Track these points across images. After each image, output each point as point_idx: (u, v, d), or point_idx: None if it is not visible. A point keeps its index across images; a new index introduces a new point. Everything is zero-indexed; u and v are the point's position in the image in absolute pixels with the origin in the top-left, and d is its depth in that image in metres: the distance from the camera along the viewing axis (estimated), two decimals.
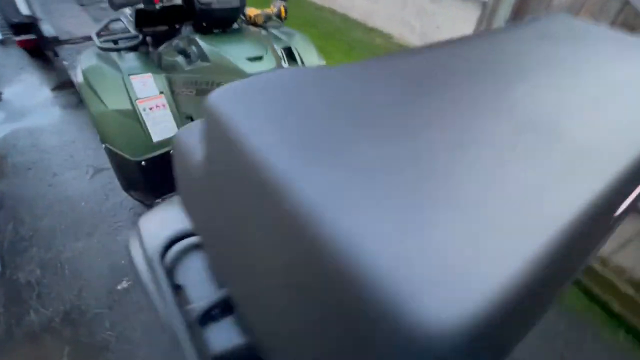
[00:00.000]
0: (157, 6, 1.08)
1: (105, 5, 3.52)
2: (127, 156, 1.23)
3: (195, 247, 0.63)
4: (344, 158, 0.29)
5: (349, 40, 3.61)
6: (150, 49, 1.32)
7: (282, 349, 0.38)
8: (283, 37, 1.43)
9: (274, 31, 1.47)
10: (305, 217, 0.25)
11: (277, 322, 0.36)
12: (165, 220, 0.73)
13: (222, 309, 0.53)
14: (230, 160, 0.34)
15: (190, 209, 0.56)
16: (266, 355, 0.43)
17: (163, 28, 1.32)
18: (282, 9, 1.57)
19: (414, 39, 3.62)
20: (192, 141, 0.49)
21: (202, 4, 1.10)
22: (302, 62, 1.39)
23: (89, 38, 2.70)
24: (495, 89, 0.41)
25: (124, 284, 1.41)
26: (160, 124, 1.27)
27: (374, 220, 0.24)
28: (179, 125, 1.29)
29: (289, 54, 1.37)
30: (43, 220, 1.61)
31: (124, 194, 1.73)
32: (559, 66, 0.48)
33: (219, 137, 0.35)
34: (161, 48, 1.28)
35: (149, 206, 1.51)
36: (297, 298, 0.30)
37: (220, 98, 0.35)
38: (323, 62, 1.48)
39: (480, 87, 0.41)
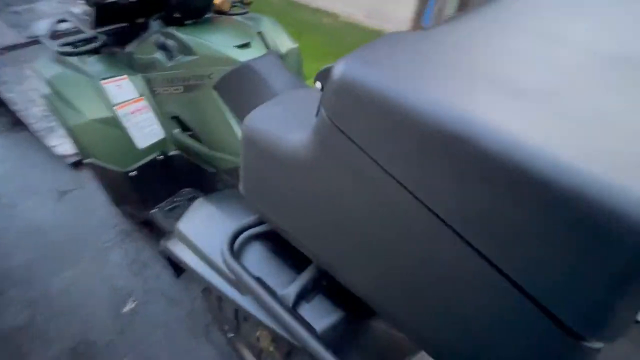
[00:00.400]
0: None
1: (19, 8, 3.07)
2: (114, 168, 1.12)
3: (257, 237, 0.62)
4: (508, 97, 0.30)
5: (295, 23, 3.53)
6: (114, 49, 1.19)
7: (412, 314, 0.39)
8: (251, 23, 1.37)
9: (240, 18, 1.40)
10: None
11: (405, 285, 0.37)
12: (210, 218, 0.69)
13: (310, 289, 0.53)
14: (380, 124, 0.32)
15: (264, 196, 0.53)
16: (389, 318, 0.44)
17: (123, 25, 1.20)
18: None
19: (361, 17, 3.65)
20: (270, 127, 0.46)
21: None
22: (276, 47, 1.35)
23: (13, 47, 2.35)
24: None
25: (131, 305, 1.31)
26: (145, 128, 1.17)
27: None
28: (165, 128, 1.20)
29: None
30: (14, 258, 1.42)
31: (103, 213, 1.59)
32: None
33: (364, 106, 0.33)
34: (130, 47, 1.16)
35: (142, 220, 1.41)
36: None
37: (349, 68, 0.33)
38: (296, 45, 1.45)
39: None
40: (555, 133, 0.26)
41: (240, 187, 0.56)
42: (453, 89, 0.31)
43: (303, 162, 0.41)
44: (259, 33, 1.33)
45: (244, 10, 1.46)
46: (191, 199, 1.30)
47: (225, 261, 0.57)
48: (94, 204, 1.63)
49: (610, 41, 0.40)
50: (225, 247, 0.57)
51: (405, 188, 0.32)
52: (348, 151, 0.35)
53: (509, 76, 0.33)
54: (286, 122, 0.46)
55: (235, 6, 1.44)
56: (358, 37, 3.39)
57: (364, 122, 0.33)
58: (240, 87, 0.99)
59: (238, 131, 1.02)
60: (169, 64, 1.07)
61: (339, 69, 0.34)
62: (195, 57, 1.02)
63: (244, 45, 1.03)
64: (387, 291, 0.41)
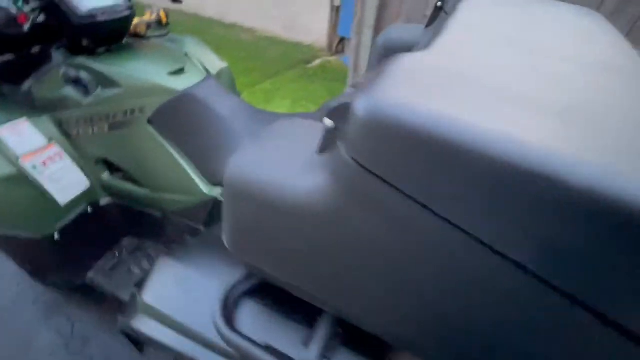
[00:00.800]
0: (26, 27, 0.77)
1: None
2: (30, 236, 0.89)
3: (249, 294, 0.52)
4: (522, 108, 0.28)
5: (212, 41, 3.37)
6: (5, 88, 0.96)
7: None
8: (174, 45, 1.23)
9: (158, 40, 1.24)
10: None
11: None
12: (184, 281, 0.57)
13: (331, 343, 0.46)
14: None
15: (260, 249, 0.44)
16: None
17: (11, 57, 0.97)
18: (163, 15, 1.35)
19: (278, 29, 3.63)
20: (263, 172, 0.38)
21: (82, 17, 0.84)
22: (205, 69, 1.24)
23: None
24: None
25: None
26: (63, 179, 0.95)
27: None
28: (88, 175, 1.00)
29: None
30: None
31: (16, 289, 1.27)
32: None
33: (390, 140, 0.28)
34: (27, 84, 0.94)
35: (68, 290, 1.15)
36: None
37: (375, 104, 0.28)
38: (225, 65, 1.34)
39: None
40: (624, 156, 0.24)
41: (225, 239, 0.47)
42: (494, 113, 0.27)
43: (317, 208, 0.34)
44: (185, 55, 1.20)
45: (163, 32, 1.31)
46: (136, 250, 1.11)
47: (219, 332, 0.46)
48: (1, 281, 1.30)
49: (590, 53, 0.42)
50: (217, 315, 0.47)
51: (458, 227, 0.28)
52: (380, 193, 0.29)
53: (538, 94, 0.31)
54: (279, 164, 0.39)
55: (151, 28, 1.28)
56: (279, 51, 3.36)
57: (400, 161, 0.28)
58: (182, 118, 0.87)
59: (187, 167, 0.89)
60: (86, 100, 0.89)
61: (364, 106, 0.28)
62: (120, 90, 0.86)
63: (178, 72, 0.91)
64: (429, 334, 0.36)
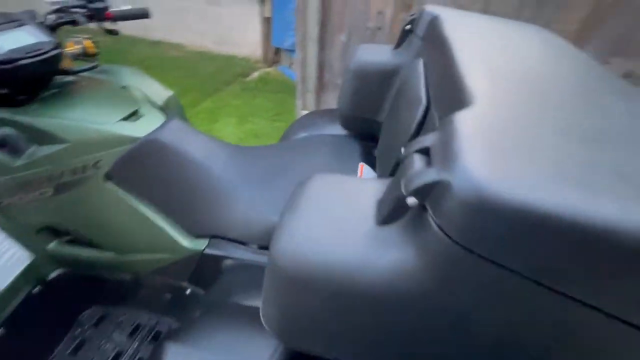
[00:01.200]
0: None
1: None
2: None
3: None
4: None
5: (138, 61, 3.06)
6: None
7: None
8: (112, 78, 1.06)
9: (94, 77, 1.06)
10: None
11: None
12: None
13: None
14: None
15: (315, 331, 0.38)
16: None
17: None
18: (89, 45, 1.15)
19: (208, 44, 3.44)
20: (320, 252, 0.33)
21: None
22: (150, 100, 1.09)
23: None
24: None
25: None
26: None
27: None
28: (32, 247, 0.81)
29: None
30: None
31: None
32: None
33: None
34: None
35: None
36: None
37: (480, 181, 0.24)
38: (171, 93, 1.20)
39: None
40: None
41: (267, 324, 0.40)
42: (591, 177, 0.26)
43: (400, 289, 0.30)
44: (124, 88, 1.04)
45: (92, 64, 1.12)
46: (103, 321, 0.94)
47: None
48: None
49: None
50: None
51: (592, 307, 0.26)
52: (491, 276, 0.27)
53: (596, 128, 0.32)
54: (335, 238, 0.34)
55: (78, 59, 1.09)
56: (213, 66, 3.18)
57: (517, 240, 0.25)
58: (149, 168, 0.75)
59: (162, 222, 0.77)
60: (17, 162, 0.71)
61: (467, 186, 0.25)
62: (64, 146, 0.71)
63: (132, 115, 0.78)
64: None
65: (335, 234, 0.34)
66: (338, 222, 0.35)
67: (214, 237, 0.76)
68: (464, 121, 0.31)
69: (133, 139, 0.73)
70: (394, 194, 0.31)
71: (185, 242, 0.77)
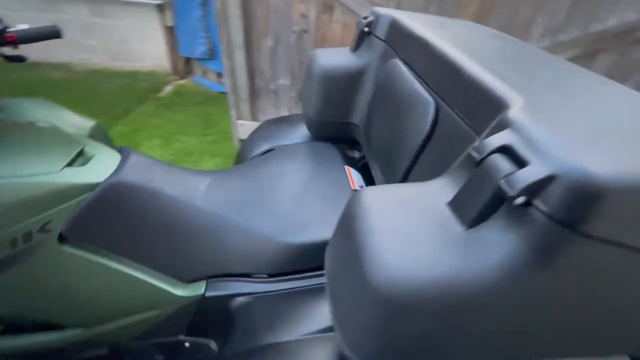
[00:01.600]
0: None
1: None
2: None
3: None
4: None
5: (12, 90, 2.48)
6: None
7: None
8: (17, 116, 0.83)
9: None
10: None
11: None
12: None
13: None
14: None
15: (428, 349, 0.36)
16: None
17: None
18: None
19: (102, 60, 2.98)
20: (428, 270, 0.31)
21: None
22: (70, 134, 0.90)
23: None
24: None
25: None
26: None
27: None
28: None
29: None
30: None
31: None
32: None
33: None
34: None
35: None
36: None
37: (594, 166, 0.26)
38: (93, 123, 1.00)
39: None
40: None
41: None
42: None
43: (518, 288, 0.30)
44: (31, 124, 0.83)
45: None
46: None
47: None
48: None
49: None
50: None
51: None
52: (611, 257, 0.29)
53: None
54: (432, 252, 0.32)
55: None
56: (115, 84, 2.77)
57: None
58: (116, 217, 0.61)
59: (141, 275, 0.64)
60: None
61: (578, 174, 0.26)
62: None
63: (78, 157, 0.63)
64: None
65: (427, 246, 0.32)
66: (421, 233, 0.33)
67: (212, 277, 0.67)
68: (532, 115, 0.32)
69: (89, 187, 0.59)
70: (482, 194, 0.31)
71: (179, 291, 0.66)
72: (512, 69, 0.48)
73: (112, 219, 0.61)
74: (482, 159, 0.32)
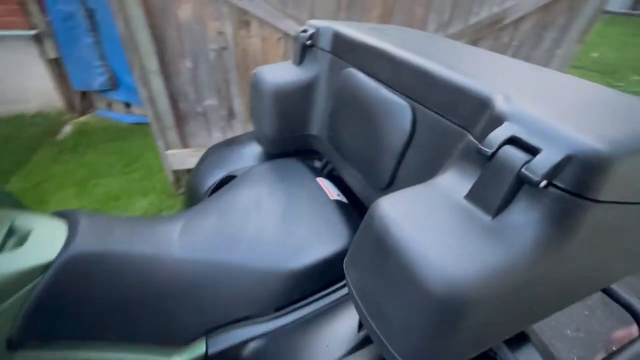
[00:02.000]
0: None
1: None
2: None
3: None
4: None
5: None
6: None
7: None
8: None
9: None
10: None
11: None
12: None
13: None
14: None
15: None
16: None
17: None
18: None
19: None
20: (481, 267, 0.32)
21: None
22: None
23: None
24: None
25: None
26: None
27: None
28: None
29: None
30: None
31: None
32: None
33: None
34: None
35: None
36: None
37: (609, 140, 0.31)
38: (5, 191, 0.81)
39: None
40: None
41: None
42: None
43: (552, 260, 0.33)
44: None
45: None
46: None
47: None
48: None
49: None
50: None
51: None
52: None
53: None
54: (471, 249, 0.33)
55: None
56: None
57: None
58: (81, 298, 0.49)
59: (125, 355, 0.54)
60: None
61: (594, 150, 0.29)
62: None
63: (7, 239, 0.49)
64: None
65: (467, 241, 0.33)
66: (455, 230, 0.34)
67: (211, 330, 0.59)
68: (520, 106, 0.36)
69: (36, 271, 0.46)
70: (502, 184, 0.33)
71: (176, 358, 0.57)
72: (465, 63, 0.53)
73: (76, 301, 0.49)
74: (494, 153, 0.34)
